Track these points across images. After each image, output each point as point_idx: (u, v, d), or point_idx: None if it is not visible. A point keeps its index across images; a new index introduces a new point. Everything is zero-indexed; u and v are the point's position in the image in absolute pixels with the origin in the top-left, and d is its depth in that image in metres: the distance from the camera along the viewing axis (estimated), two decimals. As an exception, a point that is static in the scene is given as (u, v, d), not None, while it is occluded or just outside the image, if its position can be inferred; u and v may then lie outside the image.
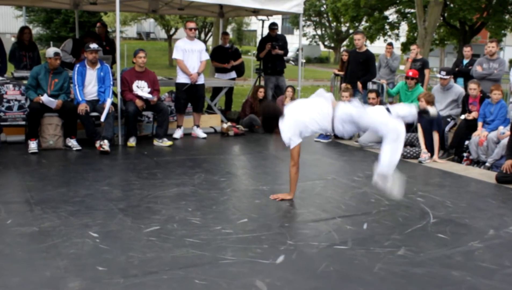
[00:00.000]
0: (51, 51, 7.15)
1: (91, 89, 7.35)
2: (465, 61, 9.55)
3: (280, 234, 4.15)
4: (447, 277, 3.45)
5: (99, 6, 10.65)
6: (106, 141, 6.94)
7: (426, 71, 9.90)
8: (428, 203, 5.16)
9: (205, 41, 28.95)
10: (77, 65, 7.36)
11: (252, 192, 5.39)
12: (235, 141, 8.34)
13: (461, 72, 9.38)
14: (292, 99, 9.34)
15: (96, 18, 22.77)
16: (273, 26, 9.94)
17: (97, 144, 6.99)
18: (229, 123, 8.94)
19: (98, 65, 7.38)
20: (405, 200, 5.21)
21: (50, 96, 6.98)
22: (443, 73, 8.26)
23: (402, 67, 12.77)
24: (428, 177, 6.37)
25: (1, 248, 3.65)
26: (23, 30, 8.95)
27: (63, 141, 7.16)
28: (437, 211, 4.91)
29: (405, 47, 22.16)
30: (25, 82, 7.25)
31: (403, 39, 24.15)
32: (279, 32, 10.24)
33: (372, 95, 7.83)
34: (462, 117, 7.87)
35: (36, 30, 26.97)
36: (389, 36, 23.73)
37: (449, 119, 8.06)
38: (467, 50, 9.61)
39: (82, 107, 7.04)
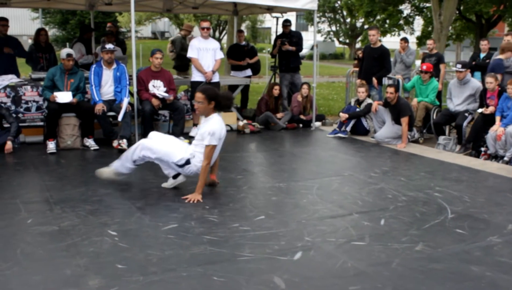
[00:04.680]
0: (63, 52, 7.22)
1: (107, 89, 7.41)
2: (482, 55, 9.46)
3: (297, 231, 4.16)
4: (466, 273, 3.43)
5: (114, 6, 10.73)
6: (124, 140, 7.00)
7: (442, 66, 9.83)
8: (445, 198, 5.12)
9: (219, 40, 29.03)
10: (94, 66, 7.43)
11: (269, 189, 5.40)
12: (251, 139, 8.35)
13: (478, 66, 9.29)
14: (308, 96, 9.35)
15: (111, 19, 22.96)
16: (286, 23, 9.91)
17: (115, 143, 7.05)
18: (245, 121, 8.95)
19: (114, 65, 7.43)
20: (423, 196, 5.19)
21: (67, 96, 7.05)
22: (459, 66, 8.17)
23: (418, 62, 12.65)
24: (445, 172, 6.32)
25: (22, 247, 3.71)
26: (40, 32, 9.05)
27: (81, 141, 7.23)
28: (455, 206, 4.87)
29: (421, 41, 21.98)
30: (42, 83, 7.34)
31: (418, 33, 23.95)
32: (294, 28, 10.22)
33: (390, 90, 7.81)
34: (480, 111, 7.78)
35: (52, 32, 27.26)
36: (404, 30, 23.54)
37: (466, 114, 7.98)
38: (484, 44, 9.52)
39: (99, 107, 7.10)
